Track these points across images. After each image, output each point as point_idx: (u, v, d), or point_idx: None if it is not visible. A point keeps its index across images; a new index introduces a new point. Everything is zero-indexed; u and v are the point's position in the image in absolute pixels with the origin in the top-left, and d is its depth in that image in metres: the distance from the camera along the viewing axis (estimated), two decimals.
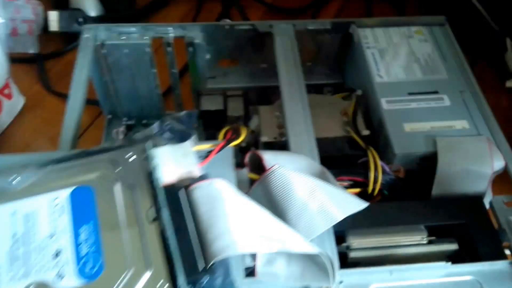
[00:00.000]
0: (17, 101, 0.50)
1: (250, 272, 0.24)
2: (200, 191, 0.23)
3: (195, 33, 0.40)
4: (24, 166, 0.26)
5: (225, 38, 0.41)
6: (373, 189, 0.32)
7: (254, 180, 0.29)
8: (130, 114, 0.46)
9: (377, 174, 0.32)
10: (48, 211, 0.23)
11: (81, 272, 0.21)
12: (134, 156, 0.25)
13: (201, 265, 0.21)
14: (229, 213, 0.22)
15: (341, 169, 0.33)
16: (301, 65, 0.37)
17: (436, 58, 0.38)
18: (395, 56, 0.38)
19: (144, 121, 0.47)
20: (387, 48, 0.39)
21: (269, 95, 0.45)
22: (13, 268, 0.21)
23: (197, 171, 0.25)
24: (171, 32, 0.40)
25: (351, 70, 0.43)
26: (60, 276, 0.21)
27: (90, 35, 0.38)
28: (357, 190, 0.32)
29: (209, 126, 0.46)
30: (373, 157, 0.32)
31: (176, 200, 0.23)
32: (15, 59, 0.52)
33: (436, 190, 0.31)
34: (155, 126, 0.28)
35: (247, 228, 0.22)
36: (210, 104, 0.45)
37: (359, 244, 0.28)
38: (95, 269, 0.21)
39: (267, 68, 0.44)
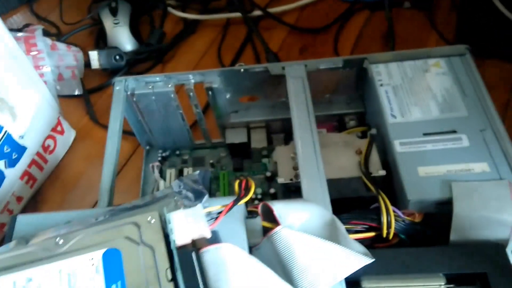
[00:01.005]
0: (69, 135, 0.57)
1: None
2: (208, 255, 0.26)
3: (213, 78, 0.43)
4: (66, 224, 0.31)
5: (242, 80, 0.43)
6: (388, 234, 0.32)
7: (267, 228, 0.32)
8: (164, 146, 0.51)
9: (390, 219, 0.32)
10: (85, 270, 0.27)
11: None
12: (154, 220, 0.29)
13: None
14: (231, 279, 0.25)
15: (356, 212, 0.33)
16: (312, 104, 0.37)
17: (455, 93, 0.36)
18: (410, 93, 0.37)
19: (177, 152, 0.51)
20: (402, 84, 0.38)
21: (290, 125, 0.47)
22: None
23: (208, 233, 0.28)
24: (191, 79, 0.43)
25: (368, 105, 0.43)
26: None
27: (121, 87, 0.43)
28: (371, 234, 0.33)
29: (235, 156, 0.49)
30: (383, 202, 0.32)
31: (188, 263, 0.26)
32: (65, 95, 0.58)
33: (454, 236, 0.30)
34: (174, 185, 0.32)
35: None
36: (235, 137, 0.48)
37: None
38: None
39: (286, 101, 0.46)
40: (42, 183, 0.54)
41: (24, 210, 0.52)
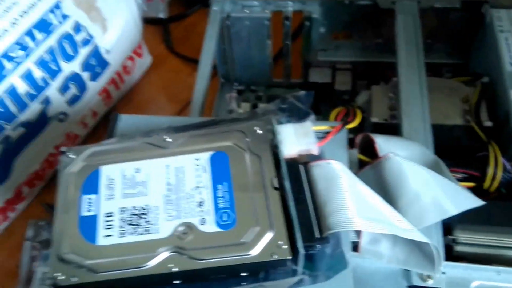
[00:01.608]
0: (146, 59, 0.57)
1: (353, 247, 0.27)
2: (319, 169, 0.26)
3: (314, 7, 0.41)
4: (169, 127, 0.31)
5: (343, 13, 0.42)
6: (490, 186, 0.31)
7: (363, 161, 0.31)
8: (241, 79, 0.50)
9: (497, 171, 0.30)
10: (193, 168, 0.28)
11: (218, 222, 0.25)
12: (261, 130, 0.29)
13: (316, 233, 0.24)
14: (345, 192, 0.24)
15: (456, 160, 0.32)
16: (422, 45, 0.36)
17: None
18: None
19: (253, 87, 0.51)
20: None
21: (379, 71, 0.45)
22: (168, 209, 0.26)
23: (315, 150, 0.28)
24: (290, 6, 0.41)
25: (479, 53, 0.40)
26: (202, 221, 0.25)
27: (218, 8, 0.42)
28: (471, 184, 0.31)
29: (314, 98, 0.48)
30: (494, 152, 0.31)
31: (296, 174, 0.26)
32: (144, 20, 0.58)
33: None
34: (276, 103, 0.31)
35: (361, 208, 0.24)
36: (318, 76, 0.46)
37: (467, 239, 0.28)
38: (229, 222, 0.25)
39: (381, 43, 0.44)
40: (116, 103, 0.55)
41: (97, 127, 0.53)
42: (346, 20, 0.42)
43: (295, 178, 0.26)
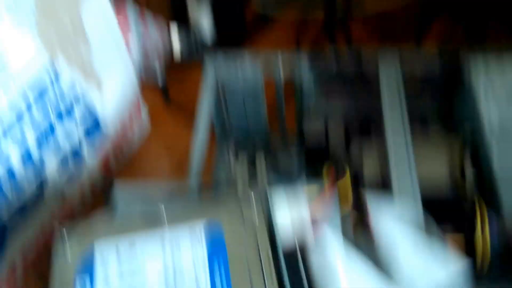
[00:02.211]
0: (144, 120, 0.57)
1: None
2: (316, 257, 0.26)
3: (303, 74, 0.42)
4: (165, 195, 0.31)
5: (332, 77, 0.43)
6: (482, 250, 0.30)
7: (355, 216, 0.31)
8: (238, 141, 0.50)
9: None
10: (188, 240, 0.27)
11: None
12: (255, 197, 0.29)
13: None
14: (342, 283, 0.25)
15: (443, 213, 0.31)
16: (406, 101, 0.37)
17: None
18: None
19: (250, 149, 0.51)
20: (503, 83, 0.36)
21: (372, 124, 0.45)
22: None
23: (307, 216, 0.28)
24: (279, 73, 0.43)
25: (461, 105, 0.41)
26: None
27: (211, 69, 0.43)
28: (461, 238, 0.31)
29: (311, 158, 0.46)
30: (480, 209, 0.31)
31: (294, 263, 0.26)
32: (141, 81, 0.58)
33: None
34: (269, 165, 0.32)
35: None
36: (313, 140, 0.46)
37: None
38: None
39: (373, 98, 0.45)
40: (115, 167, 0.54)
41: (95, 193, 0.51)
42: (337, 82, 0.44)
43: (293, 268, 0.26)
